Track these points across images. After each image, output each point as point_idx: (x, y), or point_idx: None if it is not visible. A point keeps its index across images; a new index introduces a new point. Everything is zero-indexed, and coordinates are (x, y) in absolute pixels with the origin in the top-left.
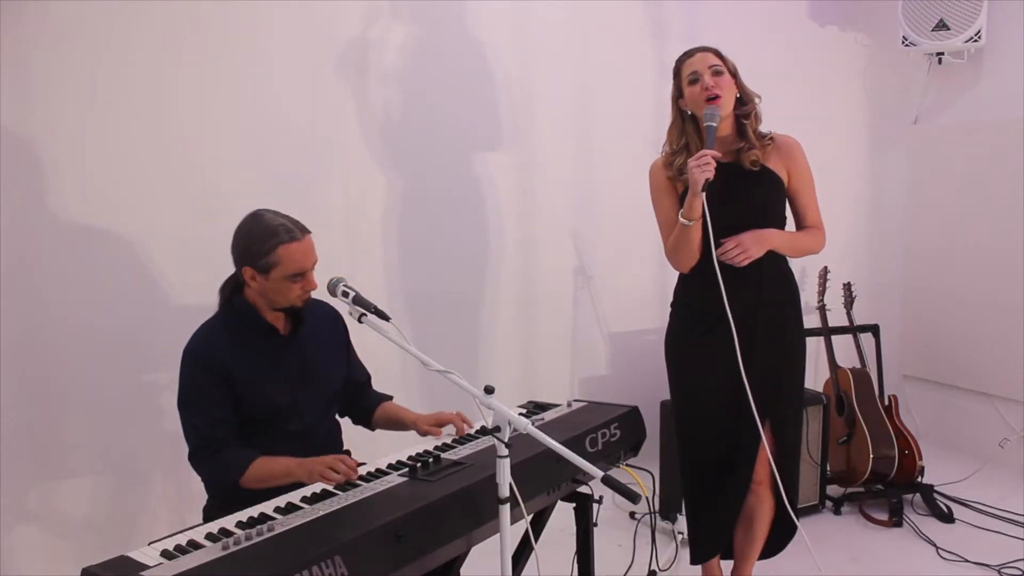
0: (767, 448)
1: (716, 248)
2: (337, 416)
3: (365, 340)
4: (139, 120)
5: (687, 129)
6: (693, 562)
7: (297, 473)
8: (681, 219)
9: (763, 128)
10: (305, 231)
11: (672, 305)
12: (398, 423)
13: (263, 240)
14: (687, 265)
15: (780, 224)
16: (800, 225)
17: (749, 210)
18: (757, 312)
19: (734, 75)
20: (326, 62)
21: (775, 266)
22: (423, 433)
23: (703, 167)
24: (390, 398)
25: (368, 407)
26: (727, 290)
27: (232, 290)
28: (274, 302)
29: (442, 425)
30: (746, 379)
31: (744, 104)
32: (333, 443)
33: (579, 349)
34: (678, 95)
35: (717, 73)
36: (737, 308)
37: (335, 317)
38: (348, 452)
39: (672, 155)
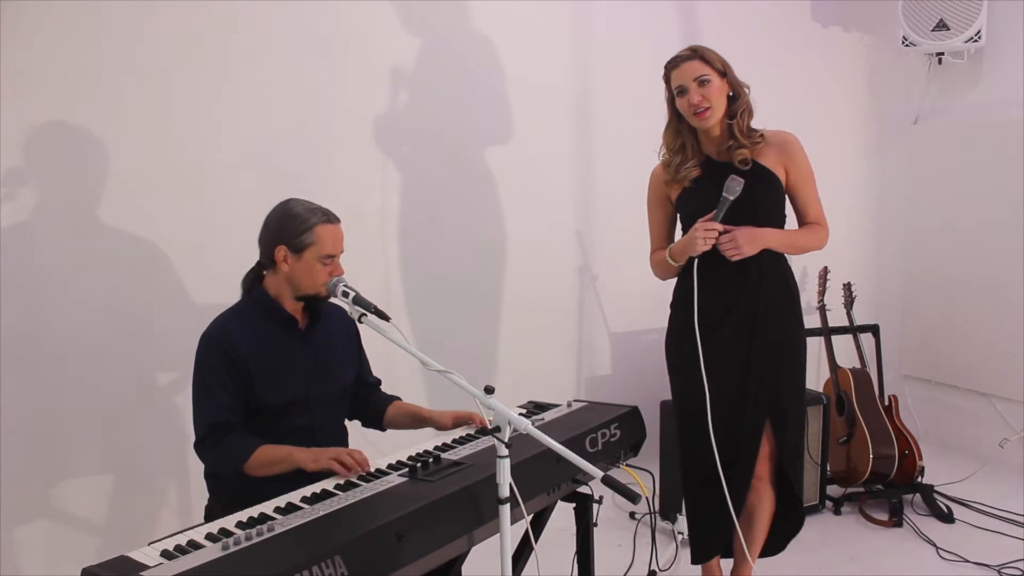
0: (768, 446)
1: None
2: (347, 419)
3: (365, 340)
4: (139, 119)
5: (683, 130)
6: (694, 562)
7: (299, 458)
8: (668, 258)
9: (764, 127)
10: (337, 219)
11: (672, 306)
12: (416, 419)
13: (303, 220)
14: (665, 279)
15: (779, 223)
16: (801, 222)
17: (744, 211)
18: (756, 313)
19: (723, 73)
20: (328, 62)
21: (775, 267)
22: (445, 429)
23: (707, 240)
24: (398, 399)
25: (379, 407)
26: (728, 291)
27: (253, 281)
28: (300, 287)
29: (460, 424)
30: (748, 380)
31: (735, 100)
32: (339, 444)
33: (580, 349)
34: (672, 98)
35: (703, 83)
36: (737, 309)
37: (349, 317)
38: None
39: (670, 155)
